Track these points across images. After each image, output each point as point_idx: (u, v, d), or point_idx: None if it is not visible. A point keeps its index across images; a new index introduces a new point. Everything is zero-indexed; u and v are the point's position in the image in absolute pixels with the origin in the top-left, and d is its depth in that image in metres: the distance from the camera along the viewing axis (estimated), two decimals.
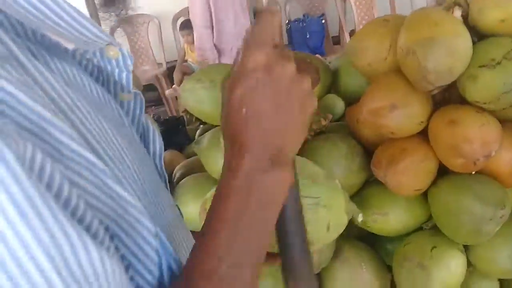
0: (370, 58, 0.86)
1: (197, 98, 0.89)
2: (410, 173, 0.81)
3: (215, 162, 0.93)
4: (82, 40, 0.38)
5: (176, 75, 3.40)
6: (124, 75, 0.42)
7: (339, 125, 1.03)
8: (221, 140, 0.85)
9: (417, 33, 0.75)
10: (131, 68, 0.41)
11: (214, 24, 2.66)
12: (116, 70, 0.42)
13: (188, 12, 3.80)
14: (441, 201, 0.81)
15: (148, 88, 3.61)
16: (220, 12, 2.62)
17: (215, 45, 2.71)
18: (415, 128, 0.80)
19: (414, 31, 0.75)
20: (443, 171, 0.82)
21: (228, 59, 2.68)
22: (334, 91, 1.06)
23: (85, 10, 3.92)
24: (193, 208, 0.95)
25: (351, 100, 1.01)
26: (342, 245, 0.96)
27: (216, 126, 0.97)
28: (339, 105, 1.09)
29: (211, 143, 0.93)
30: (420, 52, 0.73)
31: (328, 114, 0.99)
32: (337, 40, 3.92)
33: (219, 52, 2.75)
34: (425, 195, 0.86)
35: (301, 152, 0.93)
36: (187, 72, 3.52)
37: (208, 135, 0.97)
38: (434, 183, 0.83)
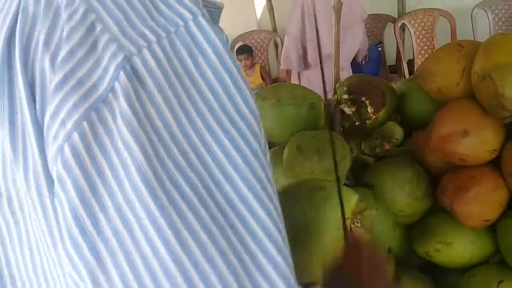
0: (441, 83, 0.84)
1: (262, 116, 0.90)
2: (479, 202, 0.77)
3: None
4: None
5: None
6: None
7: (402, 150, 1.01)
8: (283, 158, 0.86)
9: (495, 58, 0.73)
10: None
11: (307, 39, 2.74)
12: None
13: (245, 37, 3.89)
14: (510, 234, 0.77)
15: None
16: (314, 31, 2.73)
17: (304, 58, 2.79)
18: (487, 156, 0.77)
19: (492, 55, 0.74)
20: None
21: (311, 73, 2.76)
22: (400, 115, 1.05)
23: None
24: None
25: (417, 126, 0.99)
26: (400, 274, 0.93)
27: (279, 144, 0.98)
28: (398, 132, 1.08)
29: (271, 162, 0.94)
30: (497, 77, 0.71)
31: (393, 138, 0.98)
32: (394, 69, 3.87)
33: (306, 66, 2.80)
34: (493, 226, 0.82)
35: (363, 177, 0.91)
36: None
37: (269, 154, 0.98)
38: (504, 214, 0.79)
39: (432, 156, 0.86)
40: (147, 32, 0.29)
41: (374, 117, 0.97)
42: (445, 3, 3.46)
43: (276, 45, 3.83)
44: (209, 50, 0.30)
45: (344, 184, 0.87)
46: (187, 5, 0.30)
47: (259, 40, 3.94)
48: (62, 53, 0.28)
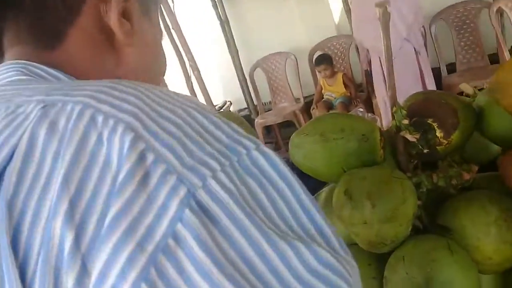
0: None
1: (305, 154, 0.79)
2: None
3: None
4: None
5: (318, 112, 3.36)
6: None
7: (491, 177, 0.83)
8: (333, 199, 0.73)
9: None
10: None
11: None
12: None
13: (323, 45, 3.75)
14: None
15: (286, 124, 3.62)
16: None
17: None
18: None
19: None
20: None
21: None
22: (481, 134, 0.86)
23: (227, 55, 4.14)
24: None
25: (506, 145, 0.81)
26: None
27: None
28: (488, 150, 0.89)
29: (326, 203, 0.82)
30: None
31: (473, 166, 0.80)
32: (495, 59, 3.45)
33: None
34: None
35: (438, 215, 0.75)
36: (328, 107, 3.46)
37: (324, 193, 0.86)
38: None
39: None
40: (208, 159, 0.26)
41: (446, 141, 0.80)
42: None
43: (357, 49, 3.63)
44: (277, 179, 0.28)
45: (413, 230, 0.72)
46: (245, 135, 0.29)
47: (338, 46, 3.78)
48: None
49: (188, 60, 3.18)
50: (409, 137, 0.79)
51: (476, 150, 0.89)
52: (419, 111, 0.82)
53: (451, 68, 3.43)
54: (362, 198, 0.68)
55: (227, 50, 4.12)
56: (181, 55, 3.17)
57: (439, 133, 0.80)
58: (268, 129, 3.92)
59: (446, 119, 0.81)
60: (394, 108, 0.80)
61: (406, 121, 0.79)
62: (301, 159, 0.80)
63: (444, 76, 3.38)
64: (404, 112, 0.79)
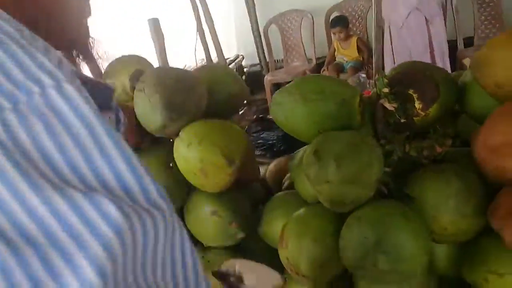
0: (500, 77, 0.67)
1: (286, 113, 0.81)
2: None
3: (302, 182, 0.84)
4: None
5: (328, 74, 3.34)
6: None
7: (463, 152, 0.85)
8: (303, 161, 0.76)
9: None
10: None
11: None
12: None
13: (341, 6, 3.66)
14: None
15: None
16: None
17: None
18: None
19: None
20: None
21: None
22: (460, 109, 0.87)
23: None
24: (278, 227, 0.88)
25: (482, 122, 0.82)
26: None
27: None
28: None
29: (300, 162, 0.85)
30: None
31: (447, 139, 0.82)
32: None
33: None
34: None
35: (406, 183, 0.78)
36: (338, 70, 3.43)
37: (300, 152, 0.89)
38: None
39: (486, 167, 0.70)
40: None
41: (423, 113, 0.82)
42: None
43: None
44: (74, 120, 0.25)
45: (378, 194, 0.76)
46: (49, 69, 0.25)
47: (356, 9, 3.69)
48: None
49: (202, 10, 3.15)
50: (388, 105, 0.81)
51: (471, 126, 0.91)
52: (402, 81, 0.83)
53: (469, 42, 3.35)
54: (329, 158, 0.70)
55: (244, 3, 4.05)
56: (195, 3, 3.14)
57: (417, 105, 0.81)
58: (277, 86, 3.91)
59: (426, 91, 0.82)
60: (377, 76, 0.81)
61: (386, 90, 0.80)
62: (282, 118, 0.82)
63: (460, 49, 3.31)
64: (386, 80, 0.80)
